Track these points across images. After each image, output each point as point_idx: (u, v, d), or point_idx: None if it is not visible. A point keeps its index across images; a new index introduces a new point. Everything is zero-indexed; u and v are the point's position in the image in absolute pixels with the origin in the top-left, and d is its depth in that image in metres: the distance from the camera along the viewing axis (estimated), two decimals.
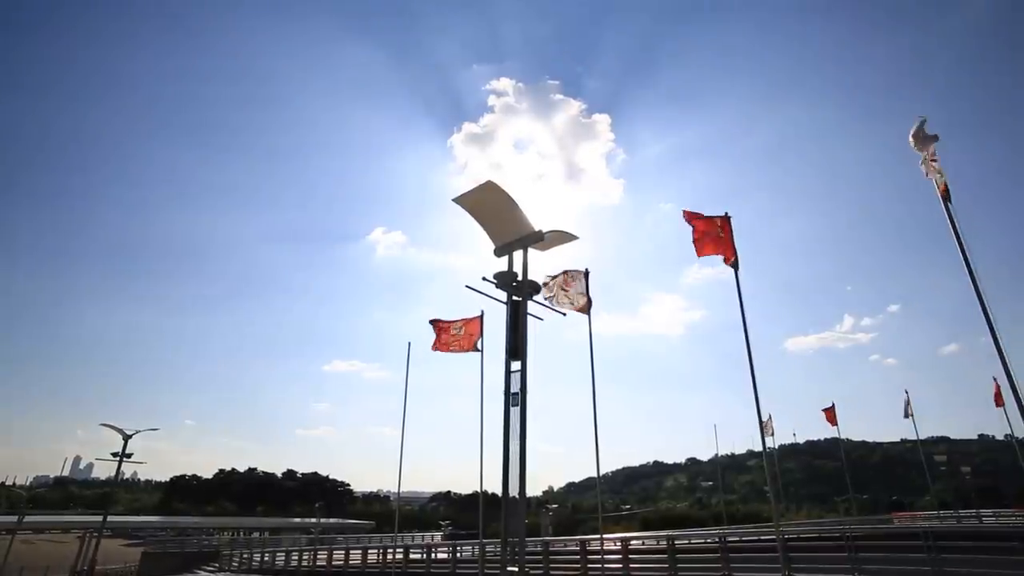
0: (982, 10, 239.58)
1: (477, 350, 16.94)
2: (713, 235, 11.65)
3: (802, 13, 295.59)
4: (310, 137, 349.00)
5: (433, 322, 17.75)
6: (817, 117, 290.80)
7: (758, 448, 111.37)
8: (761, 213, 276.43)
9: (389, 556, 23.29)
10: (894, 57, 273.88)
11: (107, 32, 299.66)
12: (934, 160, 8.98)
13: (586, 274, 14.23)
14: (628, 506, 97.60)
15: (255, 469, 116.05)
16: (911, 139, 9.26)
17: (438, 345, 17.56)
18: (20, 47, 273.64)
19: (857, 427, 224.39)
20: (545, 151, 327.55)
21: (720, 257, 11.70)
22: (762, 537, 18.77)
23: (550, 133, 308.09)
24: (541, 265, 13.98)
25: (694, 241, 11.77)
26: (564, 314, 13.51)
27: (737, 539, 18.81)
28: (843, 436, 43.82)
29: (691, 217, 11.84)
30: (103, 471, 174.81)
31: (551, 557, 18.50)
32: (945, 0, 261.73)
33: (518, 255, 7.26)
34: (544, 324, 7.82)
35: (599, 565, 15.53)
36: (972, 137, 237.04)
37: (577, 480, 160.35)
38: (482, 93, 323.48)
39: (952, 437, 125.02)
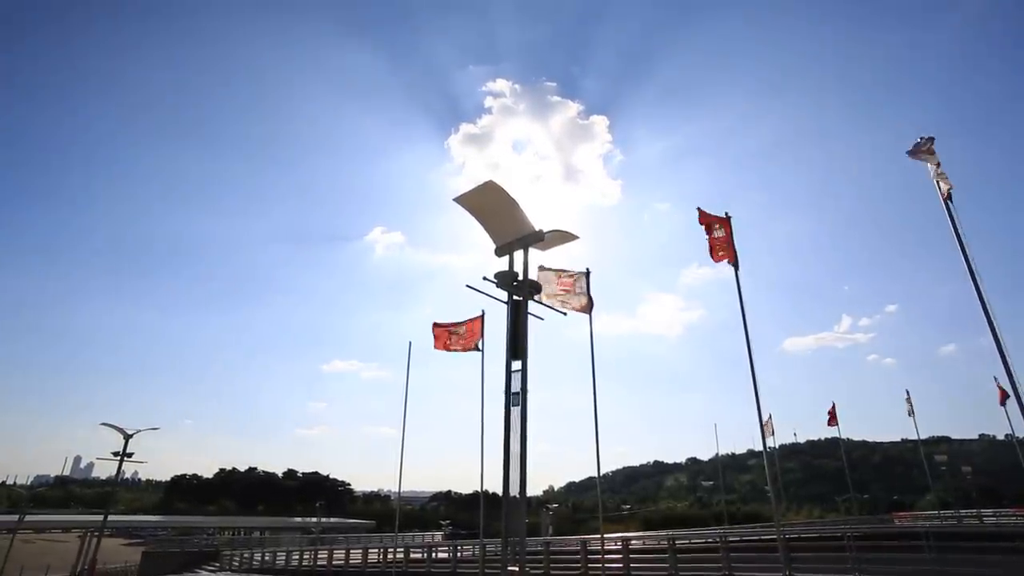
0: (981, 7, 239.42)
1: (478, 349, 16.96)
2: (721, 235, 11.66)
3: (798, 11, 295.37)
4: (309, 138, 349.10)
5: (434, 326, 17.81)
6: (814, 116, 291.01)
7: (758, 448, 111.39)
8: (758, 213, 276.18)
9: (390, 556, 23.31)
10: (892, 55, 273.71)
11: (107, 33, 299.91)
12: (939, 168, 8.98)
13: (587, 274, 14.23)
14: (628, 506, 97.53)
15: (255, 469, 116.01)
16: (923, 156, 9.24)
17: (439, 344, 17.63)
18: (19, 47, 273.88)
19: (857, 427, 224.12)
20: (543, 152, 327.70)
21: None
22: (763, 537, 18.76)
23: (547, 134, 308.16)
24: (541, 265, 14.01)
25: (710, 247, 11.76)
26: (565, 314, 13.52)
27: (738, 539, 18.80)
28: (843, 436, 43.95)
29: (705, 220, 11.79)
30: (104, 471, 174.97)
31: (552, 557, 18.50)
32: None
33: (518, 255, 7.25)
34: (544, 324, 7.82)
35: (600, 565, 15.52)
36: (971, 136, 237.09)
37: (577, 480, 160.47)
38: (479, 94, 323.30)
39: (953, 437, 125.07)
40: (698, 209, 11.94)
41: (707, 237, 11.74)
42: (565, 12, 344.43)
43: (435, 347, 17.70)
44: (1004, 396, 27.88)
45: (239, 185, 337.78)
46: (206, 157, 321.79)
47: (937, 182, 8.93)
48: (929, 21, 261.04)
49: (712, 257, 11.69)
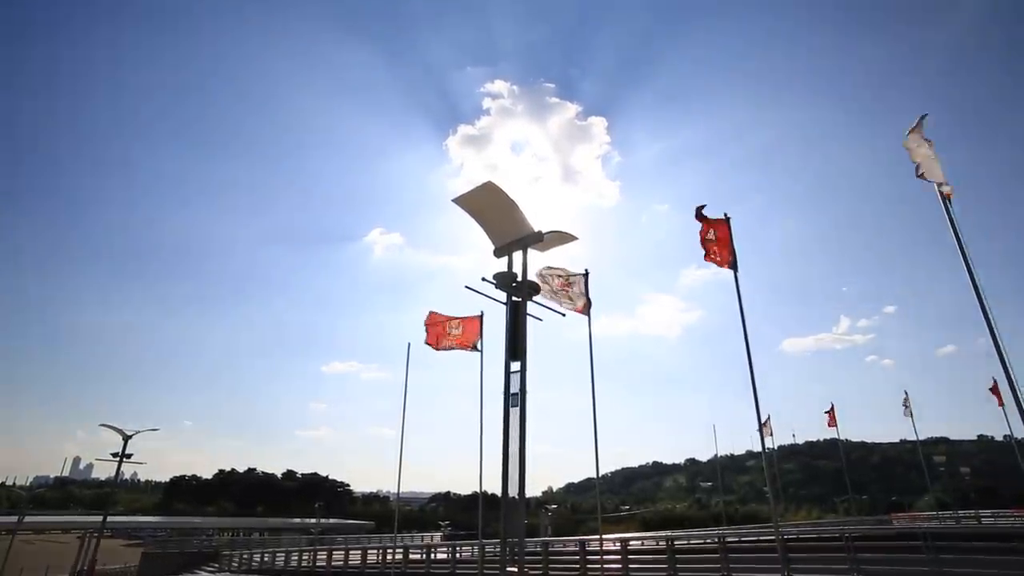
0: (980, 10, 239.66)
1: (477, 350, 16.97)
2: (712, 239, 11.63)
3: (797, 14, 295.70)
4: (307, 138, 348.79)
5: (430, 316, 17.79)
6: (812, 118, 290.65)
7: (757, 448, 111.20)
8: (756, 214, 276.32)
9: (389, 556, 23.29)
10: (891, 57, 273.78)
11: (105, 33, 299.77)
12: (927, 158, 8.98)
13: (585, 275, 14.26)
14: (627, 506, 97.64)
15: (255, 469, 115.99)
16: (910, 140, 9.26)
17: (431, 341, 17.61)
18: (19, 47, 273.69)
19: (856, 428, 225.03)
20: (541, 153, 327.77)
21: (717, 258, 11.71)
22: (761, 537, 18.76)
23: (546, 135, 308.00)
24: (540, 265, 14.04)
25: (703, 243, 11.70)
26: (564, 315, 13.53)
27: (736, 539, 18.79)
28: (842, 437, 43.99)
29: (702, 220, 11.75)
30: (103, 471, 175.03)
31: (550, 557, 18.49)
32: (943, 0, 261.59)
33: (518, 256, 7.26)
34: (544, 325, 7.84)
35: (598, 565, 15.53)
36: (970, 137, 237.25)
37: (576, 481, 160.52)
38: (477, 95, 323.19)
39: (951, 438, 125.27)
40: (698, 209, 11.83)
41: (707, 236, 11.67)
42: (564, 14, 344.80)
43: (426, 341, 17.65)
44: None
45: (238, 186, 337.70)
46: (205, 158, 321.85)
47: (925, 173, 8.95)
48: (928, 23, 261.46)
49: (706, 258, 11.63)
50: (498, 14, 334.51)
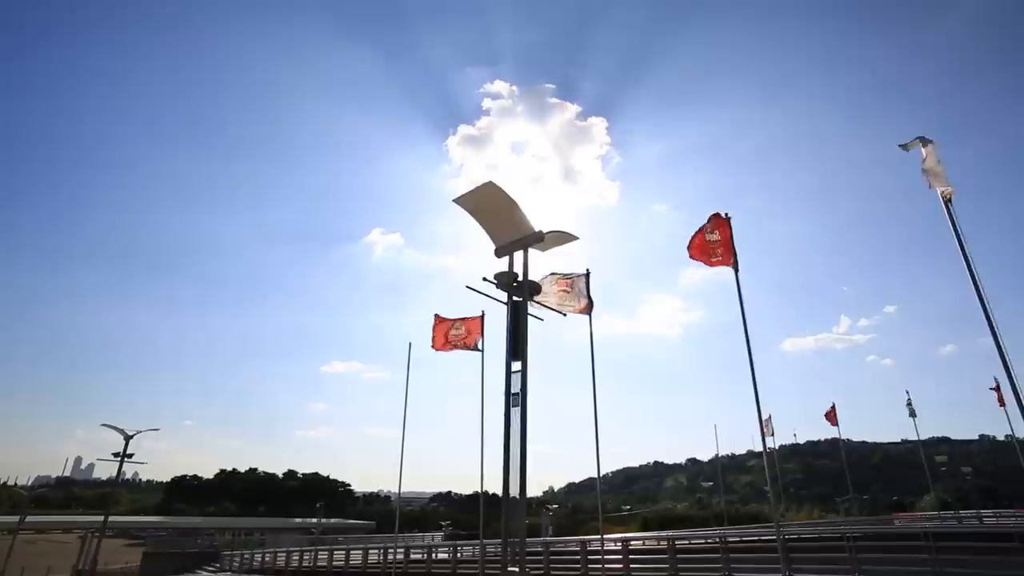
0: (980, 10, 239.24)
1: (477, 349, 16.94)
2: (702, 242, 11.57)
3: (797, 14, 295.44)
4: (308, 138, 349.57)
5: (437, 318, 17.76)
6: (812, 118, 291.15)
7: (758, 448, 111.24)
8: (756, 214, 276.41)
9: (390, 556, 23.30)
10: (891, 57, 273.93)
11: (106, 34, 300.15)
12: (934, 167, 8.92)
13: (587, 275, 14.21)
14: (628, 506, 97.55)
15: (256, 469, 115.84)
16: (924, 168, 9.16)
17: (437, 344, 17.58)
18: (21, 48, 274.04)
19: (857, 427, 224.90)
20: (541, 154, 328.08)
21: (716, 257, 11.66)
22: (762, 537, 18.73)
23: (546, 136, 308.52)
24: (541, 266, 14.01)
25: (692, 245, 11.65)
26: (564, 315, 13.52)
27: (737, 539, 18.75)
28: (843, 436, 43.84)
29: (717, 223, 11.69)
30: (104, 471, 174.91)
31: (552, 557, 18.48)
32: (942, 0, 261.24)
33: (518, 255, 7.25)
34: (544, 325, 7.83)
35: (600, 565, 15.52)
36: (970, 137, 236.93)
37: (577, 480, 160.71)
38: (477, 96, 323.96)
39: (953, 437, 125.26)
40: (724, 214, 11.72)
41: (705, 236, 11.60)
42: (563, 14, 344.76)
43: (432, 347, 17.61)
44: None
45: (239, 186, 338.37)
46: (205, 158, 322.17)
47: (930, 184, 8.89)
48: (928, 23, 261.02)
49: (705, 261, 11.57)
50: (498, 14, 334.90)
